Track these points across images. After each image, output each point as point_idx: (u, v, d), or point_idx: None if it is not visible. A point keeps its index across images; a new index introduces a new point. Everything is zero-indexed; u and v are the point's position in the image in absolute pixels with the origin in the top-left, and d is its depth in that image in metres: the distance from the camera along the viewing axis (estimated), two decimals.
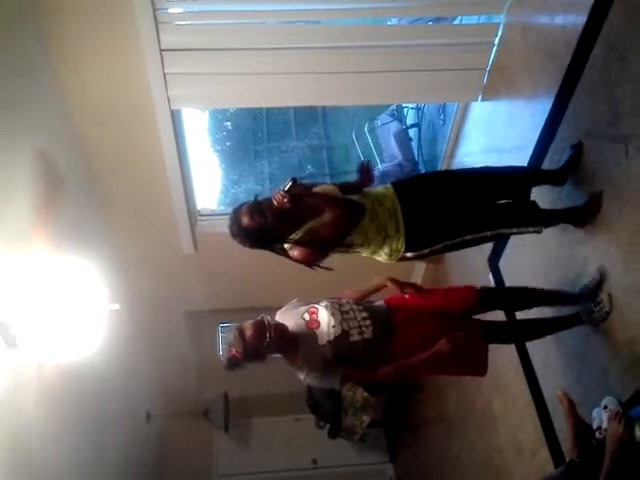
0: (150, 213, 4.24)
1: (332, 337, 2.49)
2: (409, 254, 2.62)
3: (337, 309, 2.58)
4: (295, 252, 2.48)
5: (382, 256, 2.64)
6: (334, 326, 2.52)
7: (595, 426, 2.42)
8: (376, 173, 2.54)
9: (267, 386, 5.73)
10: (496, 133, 3.73)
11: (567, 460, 2.43)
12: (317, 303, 2.64)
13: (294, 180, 2.34)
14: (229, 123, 8.37)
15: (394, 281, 2.70)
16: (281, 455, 6.02)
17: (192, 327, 5.43)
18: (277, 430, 6.21)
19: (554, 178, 2.86)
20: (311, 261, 2.51)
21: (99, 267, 2.54)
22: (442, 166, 4.49)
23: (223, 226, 4.19)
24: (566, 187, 2.84)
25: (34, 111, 2.96)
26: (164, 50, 3.38)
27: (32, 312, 2.24)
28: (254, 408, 6.19)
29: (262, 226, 2.40)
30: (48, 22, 3.14)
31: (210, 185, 7.23)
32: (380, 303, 2.76)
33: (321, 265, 2.55)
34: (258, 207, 2.41)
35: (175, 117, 3.72)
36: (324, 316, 2.56)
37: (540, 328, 2.90)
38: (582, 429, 2.48)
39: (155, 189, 4.08)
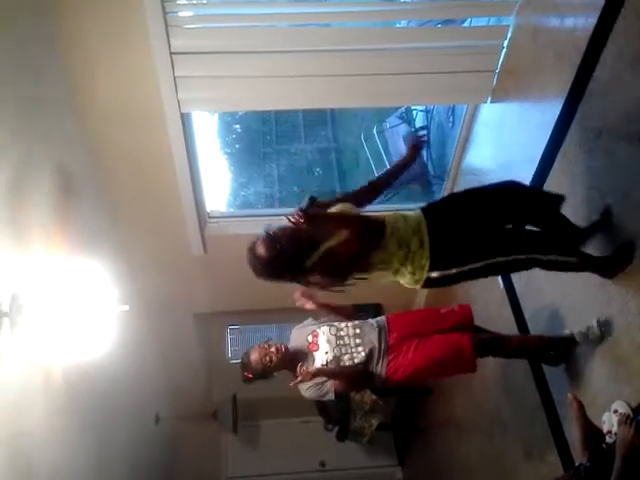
0: (160, 215, 4.26)
1: (325, 362, 2.92)
2: (434, 274, 2.45)
3: (334, 335, 2.98)
4: (313, 278, 2.41)
5: (406, 276, 2.49)
6: (327, 352, 2.93)
7: (605, 430, 2.42)
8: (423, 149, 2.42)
9: (276, 388, 5.70)
10: (506, 135, 3.72)
11: (577, 464, 2.41)
12: (320, 326, 3.05)
13: (312, 199, 2.30)
14: (238, 126, 8.41)
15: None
16: (289, 457, 6.03)
17: (201, 329, 5.45)
18: (285, 432, 6.22)
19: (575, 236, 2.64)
20: (330, 285, 2.45)
21: (109, 269, 2.55)
22: (451, 168, 4.47)
23: (232, 228, 4.23)
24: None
25: (46, 115, 2.97)
26: (174, 53, 3.39)
27: (42, 313, 2.25)
28: (263, 410, 6.20)
29: (280, 253, 2.35)
30: (59, 26, 3.16)
31: (219, 187, 7.26)
32: (382, 319, 3.07)
33: (351, 279, 2.44)
34: (271, 237, 2.37)
35: (185, 120, 3.73)
36: (322, 341, 2.96)
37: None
38: (592, 433, 2.47)
39: (165, 191, 4.10)
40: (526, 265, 2.50)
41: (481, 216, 2.50)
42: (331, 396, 2.95)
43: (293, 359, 2.98)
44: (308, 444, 6.04)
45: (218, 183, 7.34)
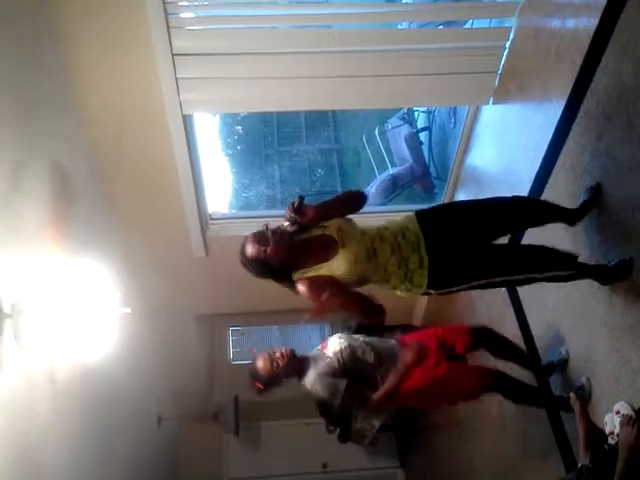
0: (162, 216, 4.26)
1: (338, 349, 2.93)
2: (432, 292, 2.50)
3: (346, 335, 3.04)
4: (301, 288, 2.40)
5: (402, 291, 2.53)
6: (340, 341, 2.97)
7: (607, 431, 2.41)
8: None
9: (277, 390, 5.73)
10: (507, 136, 3.72)
11: (579, 465, 2.41)
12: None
13: (301, 198, 2.36)
14: (240, 127, 8.41)
15: None
16: (291, 459, 6.02)
17: (203, 330, 5.45)
18: (287, 434, 6.21)
19: (568, 218, 2.71)
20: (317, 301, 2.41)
21: (111, 270, 2.55)
22: (453, 169, 4.47)
23: (234, 230, 4.23)
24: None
25: (48, 117, 2.98)
26: (176, 55, 3.39)
27: (44, 315, 2.25)
28: (264, 412, 6.19)
29: (264, 257, 2.34)
30: (60, 27, 3.16)
31: (221, 189, 7.26)
32: (393, 343, 3.07)
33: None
34: (260, 238, 2.35)
35: (187, 121, 3.73)
36: (333, 339, 3.02)
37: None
38: (594, 434, 2.46)
39: (167, 193, 4.10)
40: (524, 283, 2.57)
41: (479, 231, 2.52)
42: (338, 400, 2.95)
43: (301, 364, 3.00)
44: (310, 446, 6.03)
45: (220, 184, 7.34)
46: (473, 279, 2.46)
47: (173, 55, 3.39)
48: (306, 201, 2.42)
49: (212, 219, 4.56)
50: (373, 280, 2.48)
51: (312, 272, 2.39)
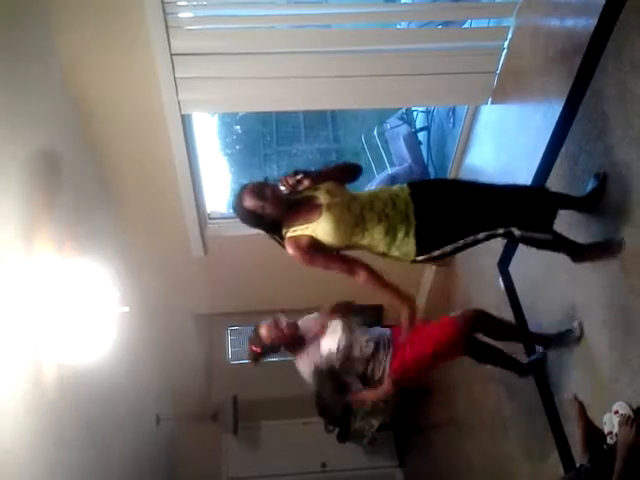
0: (160, 216, 4.27)
1: (334, 348, 2.98)
2: (419, 257, 2.59)
3: (346, 327, 3.05)
4: (290, 249, 2.49)
5: (392, 257, 2.61)
6: (339, 339, 3.00)
7: (606, 431, 2.41)
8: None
9: (276, 389, 5.72)
10: (506, 136, 3.72)
11: (577, 465, 2.41)
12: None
13: (305, 172, 2.48)
14: (238, 127, 8.40)
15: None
16: (290, 458, 6.03)
17: (201, 330, 5.45)
18: (286, 433, 6.21)
19: (580, 206, 2.74)
20: (306, 262, 2.51)
21: (109, 270, 2.55)
22: (452, 169, 4.47)
23: (233, 230, 4.24)
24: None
25: (46, 116, 2.98)
26: (175, 54, 3.39)
27: (42, 314, 2.25)
28: (263, 411, 6.20)
29: (260, 210, 2.44)
30: (58, 27, 3.16)
31: (220, 188, 7.25)
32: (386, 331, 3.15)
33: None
34: (261, 189, 2.46)
35: (185, 121, 3.73)
36: (332, 329, 3.04)
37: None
38: (593, 434, 2.47)
39: (165, 192, 4.11)
40: (504, 236, 2.62)
41: (468, 205, 2.56)
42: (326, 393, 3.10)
43: (300, 339, 3.09)
44: (309, 445, 6.04)
45: (218, 184, 7.33)
46: (458, 239, 2.55)
47: (172, 55, 3.39)
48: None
49: (211, 219, 4.56)
50: (362, 245, 2.55)
51: (299, 231, 2.48)
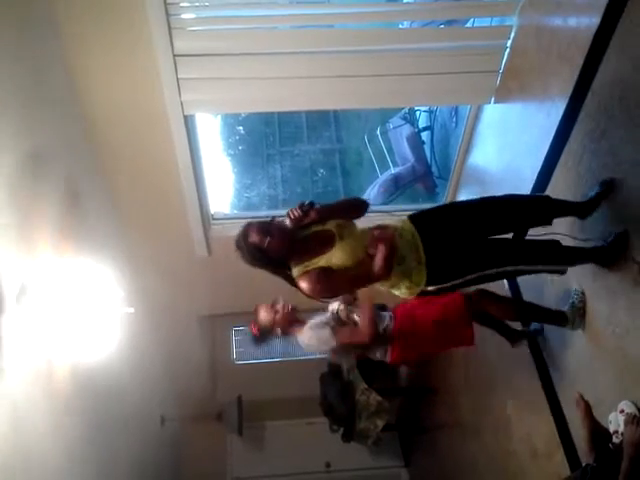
0: (164, 217, 4.27)
1: (335, 309, 3.12)
2: (430, 288, 2.58)
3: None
4: (306, 284, 2.43)
5: (402, 289, 2.60)
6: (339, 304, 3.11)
7: (612, 430, 2.41)
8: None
9: (280, 390, 5.74)
10: (509, 135, 3.72)
11: (583, 464, 2.41)
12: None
13: (312, 203, 2.42)
14: (241, 127, 8.40)
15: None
16: (295, 458, 6.02)
17: (206, 331, 5.45)
18: (291, 433, 6.21)
19: (578, 211, 2.74)
20: (318, 295, 2.48)
21: (114, 270, 2.55)
22: (455, 169, 4.47)
23: (236, 230, 4.22)
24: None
25: (49, 118, 2.98)
26: (177, 55, 3.40)
27: (47, 314, 2.26)
28: (268, 411, 6.20)
29: (266, 246, 2.38)
30: (61, 29, 3.17)
31: (223, 189, 7.26)
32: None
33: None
34: (266, 224, 2.41)
35: (188, 122, 3.74)
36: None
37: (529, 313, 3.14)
38: (599, 433, 2.46)
39: (169, 193, 4.11)
40: (515, 274, 2.71)
41: (473, 230, 2.59)
42: (330, 346, 3.09)
43: (299, 321, 3.13)
44: (313, 445, 6.03)
45: (222, 185, 7.34)
46: (468, 272, 2.54)
47: (174, 56, 3.39)
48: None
49: (214, 219, 4.56)
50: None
51: (312, 265, 2.43)
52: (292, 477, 6.08)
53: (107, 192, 3.88)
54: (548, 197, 2.83)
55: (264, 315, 3.10)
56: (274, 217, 2.47)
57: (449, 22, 4.23)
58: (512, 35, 3.51)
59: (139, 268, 4.04)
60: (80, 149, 3.49)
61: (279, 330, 3.11)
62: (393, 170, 5.74)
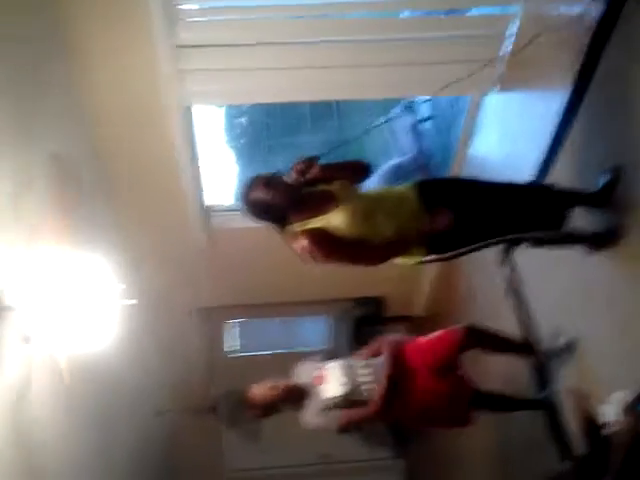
0: (164, 208, 4.25)
1: (338, 394, 3.02)
2: (429, 257, 2.57)
3: (348, 368, 3.08)
4: (303, 242, 2.42)
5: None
6: (343, 384, 3.03)
7: (605, 420, 2.40)
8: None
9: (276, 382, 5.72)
10: (511, 124, 3.70)
11: (576, 455, 2.40)
12: (328, 363, 3.14)
13: (315, 157, 2.47)
14: (243, 118, 8.38)
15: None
16: (291, 450, 6.00)
17: (203, 322, 5.44)
18: (287, 425, 6.20)
19: (591, 202, 2.68)
20: (315, 256, 2.46)
21: (112, 262, 2.53)
22: (456, 158, 4.44)
23: (236, 222, 4.23)
24: None
25: (48, 109, 2.96)
26: (179, 46, 3.37)
27: (46, 306, 2.24)
28: None
29: (268, 201, 2.39)
30: (61, 19, 3.14)
31: (224, 180, 7.25)
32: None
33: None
34: (271, 179, 2.41)
35: (190, 113, 3.72)
36: (334, 375, 3.05)
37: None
38: (592, 423, 2.46)
39: (169, 185, 4.09)
40: (516, 242, 2.71)
41: (478, 206, 2.55)
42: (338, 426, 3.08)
43: (300, 394, 3.13)
44: (310, 437, 6.00)
45: (223, 176, 7.33)
46: (470, 243, 2.53)
47: (177, 46, 3.36)
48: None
49: (215, 211, 4.55)
50: (372, 240, 2.49)
51: (311, 224, 2.43)
52: (289, 469, 6.10)
53: (107, 184, 3.85)
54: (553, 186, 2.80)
55: (262, 395, 3.12)
56: (277, 171, 2.46)
57: (450, 11, 4.19)
58: (516, 23, 3.47)
59: (137, 259, 4.02)
60: (79, 140, 3.47)
61: (283, 405, 3.17)
62: (395, 160, 5.72)
